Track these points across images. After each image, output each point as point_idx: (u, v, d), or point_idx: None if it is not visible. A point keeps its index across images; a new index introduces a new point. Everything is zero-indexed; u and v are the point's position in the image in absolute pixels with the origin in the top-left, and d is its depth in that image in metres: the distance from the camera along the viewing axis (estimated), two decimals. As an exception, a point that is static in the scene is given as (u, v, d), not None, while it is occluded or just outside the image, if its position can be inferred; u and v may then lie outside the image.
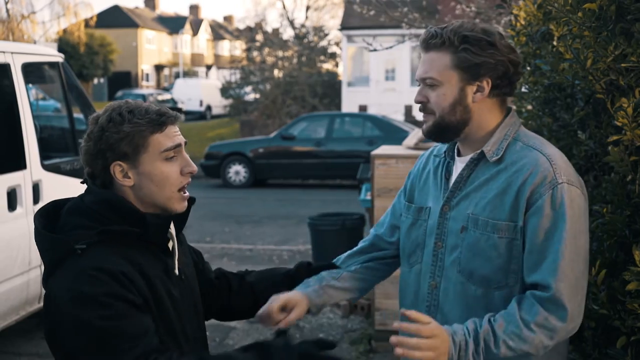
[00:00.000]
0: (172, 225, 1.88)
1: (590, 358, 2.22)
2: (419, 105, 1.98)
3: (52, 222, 1.79)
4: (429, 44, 1.93)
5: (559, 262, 1.80)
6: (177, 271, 1.87)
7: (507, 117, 1.97)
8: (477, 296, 1.91)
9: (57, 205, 1.84)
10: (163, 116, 1.79)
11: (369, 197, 5.95)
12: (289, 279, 2.19)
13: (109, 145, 1.76)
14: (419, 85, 1.97)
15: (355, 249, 2.30)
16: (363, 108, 21.30)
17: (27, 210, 4.91)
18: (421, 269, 2.04)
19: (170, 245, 1.87)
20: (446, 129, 1.95)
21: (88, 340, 1.64)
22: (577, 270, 1.82)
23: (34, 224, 1.80)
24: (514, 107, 2.03)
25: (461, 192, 1.97)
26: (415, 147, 5.45)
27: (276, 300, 2.06)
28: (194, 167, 1.84)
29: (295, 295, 2.10)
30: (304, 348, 1.68)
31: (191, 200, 1.90)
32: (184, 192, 1.84)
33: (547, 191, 1.83)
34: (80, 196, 1.84)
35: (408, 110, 21.14)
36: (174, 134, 1.81)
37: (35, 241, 1.79)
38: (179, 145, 1.81)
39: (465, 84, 1.90)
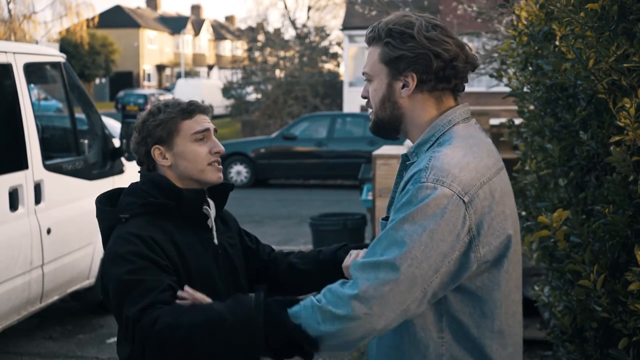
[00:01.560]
0: (211, 204, 2.17)
1: (592, 359, 2.22)
2: (365, 100, 1.94)
3: (114, 203, 2.14)
4: (368, 38, 1.90)
5: (375, 241, 1.72)
6: (215, 243, 2.15)
7: (442, 115, 1.83)
8: None
9: (120, 190, 2.19)
10: (192, 106, 2.13)
11: (370, 197, 5.95)
12: (334, 261, 2.27)
13: (148, 132, 2.11)
14: None
15: None
16: (364, 108, 21.29)
17: (28, 210, 4.91)
18: None
19: (209, 222, 2.15)
20: (382, 126, 1.90)
21: (116, 291, 1.95)
22: (393, 256, 1.68)
23: (95, 203, 2.15)
24: (463, 104, 1.87)
25: (395, 195, 1.91)
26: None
27: (355, 255, 2.11)
28: (222, 148, 2.14)
29: None
30: (270, 307, 1.79)
31: (229, 187, 2.21)
32: (217, 166, 2.13)
33: (408, 187, 1.73)
34: (136, 182, 2.17)
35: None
36: (202, 120, 2.13)
37: (97, 217, 2.14)
38: (207, 129, 2.12)
39: (392, 79, 1.83)
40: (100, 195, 2.18)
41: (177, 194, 2.09)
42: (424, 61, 1.78)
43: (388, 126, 1.88)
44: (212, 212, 2.19)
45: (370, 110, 1.93)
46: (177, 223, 2.09)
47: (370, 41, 1.88)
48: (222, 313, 1.81)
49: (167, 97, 34.33)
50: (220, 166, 2.16)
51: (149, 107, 2.20)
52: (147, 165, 2.16)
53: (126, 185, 2.20)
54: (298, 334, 1.73)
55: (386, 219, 1.88)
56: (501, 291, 1.78)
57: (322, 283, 1.87)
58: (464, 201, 1.69)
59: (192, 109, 2.12)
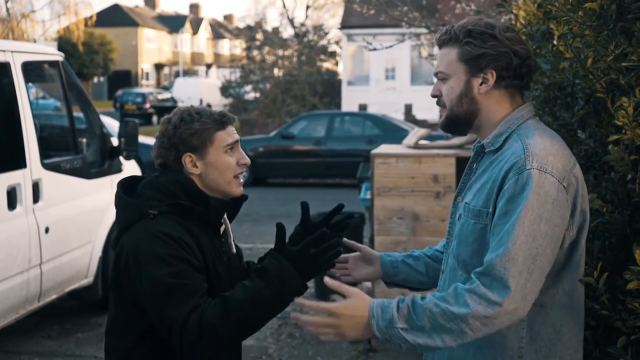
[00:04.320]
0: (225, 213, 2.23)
1: (591, 357, 2.22)
2: (435, 99, 2.07)
3: (130, 191, 2.17)
4: (441, 41, 2.03)
5: (506, 239, 1.79)
6: (226, 251, 2.24)
7: (515, 110, 1.99)
8: (462, 281, 1.93)
9: (136, 179, 2.22)
10: (224, 117, 2.19)
11: (368, 196, 5.96)
12: None
13: (182, 140, 2.14)
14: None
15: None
16: (363, 107, 21.29)
17: (26, 209, 4.91)
18: None
19: (222, 229, 2.24)
20: (457, 121, 2.02)
21: (155, 292, 1.98)
22: (530, 252, 1.79)
23: (116, 189, 2.17)
24: (529, 102, 2.03)
25: (468, 182, 2.05)
26: (415, 146, 5.44)
27: (361, 250, 2.32)
28: (248, 160, 2.22)
29: (374, 256, 2.32)
30: (292, 255, 2.03)
31: (243, 197, 2.26)
32: (240, 179, 2.21)
33: (514, 176, 1.84)
34: (156, 176, 2.20)
35: (408, 109, 21.14)
36: (232, 132, 2.20)
37: (115, 203, 2.18)
38: (237, 141, 2.20)
39: (470, 76, 1.96)
40: (119, 182, 2.20)
41: (204, 200, 2.14)
42: (504, 59, 1.93)
43: (463, 121, 2.02)
44: (227, 219, 2.25)
45: (440, 109, 2.06)
46: (199, 227, 2.13)
47: (444, 43, 2.01)
48: (257, 284, 1.99)
49: (166, 96, 34.40)
50: (242, 180, 2.23)
51: (172, 112, 2.21)
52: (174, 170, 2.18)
53: None
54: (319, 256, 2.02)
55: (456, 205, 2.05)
56: (579, 270, 1.96)
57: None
58: (564, 186, 1.85)
59: (224, 120, 2.18)
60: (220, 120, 2.17)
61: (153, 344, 2.07)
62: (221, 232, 2.24)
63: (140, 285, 2.01)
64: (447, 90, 2.00)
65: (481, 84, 1.96)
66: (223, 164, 2.15)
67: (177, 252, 2.01)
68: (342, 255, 2.29)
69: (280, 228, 2.20)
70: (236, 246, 2.39)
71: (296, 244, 2.19)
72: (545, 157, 1.85)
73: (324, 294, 6.43)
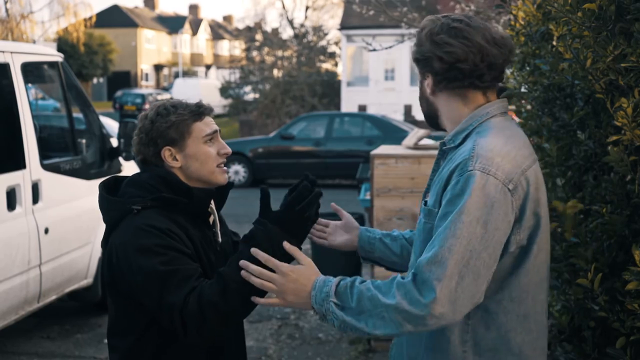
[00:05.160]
0: (212, 203, 2.21)
1: (590, 358, 2.22)
2: None
3: (113, 191, 2.16)
4: None
5: (437, 242, 1.76)
6: (219, 240, 2.21)
7: (478, 108, 1.92)
8: None
9: (117, 180, 2.21)
10: (201, 108, 2.16)
11: (368, 197, 5.96)
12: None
13: (160, 133, 2.11)
14: None
15: None
16: (362, 108, 21.29)
17: (26, 210, 4.91)
18: None
19: (211, 219, 2.21)
20: (429, 119, 2.03)
21: (150, 282, 1.96)
22: (463, 256, 1.74)
23: (99, 191, 2.16)
24: (501, 100, 1.96)
25: (432, 182, 2.02)
26: (415, 146, 5.44)
27: (343, 217, 2.34)
28: (229, 149, 2.18)
29: (354, 227, 2.33)
30: (278, 216, 2.02)
31: (229, 185, 2.23)
32: (223, 167, 2.18)
33: (457, 177, 1.80)
34: (137, 173, 2.19)
35: (407, 110, 21.14)
36: (210, 122, 2.17)
37: (99, 205, 2.16)
38: (215, 131, 2.17)
39: (422, 78, 1.97)
40: (100, 184, 2.18)
41: (187, 192, 2.11)
42: (430, 64, 1.90)
43: (430, 120, 2.02)
44: (214, 208, 2.23)
45: None
46: (186, 219, 2.12)
47: None
48: (247, 252, 1.94)
49: (165, 96, 34.40)
50: (226, 167, 2.19)
51: (149, 107, 2.19)
52: (154, 166, 2.16)
53: None
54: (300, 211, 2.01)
55: (426, 203, 1.98)
56: (529, 276, 1.86)
57: None
58: (509, 189, 1.78)
59: (201, 111, 2.15)
60: (197, 111, 2.14)
61: (155, 340, 2.07)
62: (211, 222, 2.22)
63: (134, 280, 1.99)
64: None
65: (428, 86, 1.95)
66: (203, 155, 2.13)
67: (165, 242, 1.99)
68: (324, 220, 2.32)
69: (265, 193, 2.13)
70: (234, 233, 2.39)
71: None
72: (492, 158, 1.80)
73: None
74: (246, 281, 1.92)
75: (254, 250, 1.90)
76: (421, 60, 1.92)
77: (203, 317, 1.91)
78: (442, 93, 1.93)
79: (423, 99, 1.99)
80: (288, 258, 1.97)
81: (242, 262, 1.89)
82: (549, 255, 1.94)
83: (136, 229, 2.01)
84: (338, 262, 6.46)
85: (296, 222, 2.02)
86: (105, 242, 2.13)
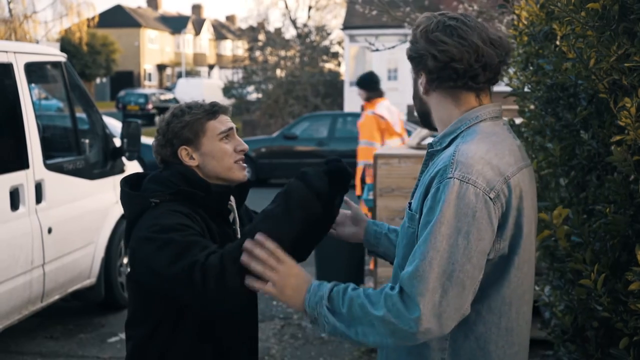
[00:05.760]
0: (232, 200, 2.23)
1: (593, 358, 2.22)
2: None
3: (135, 187, 2.19)
4: None
5: (418, 254, 1.72)
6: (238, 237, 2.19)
7: (470, 110, 1.87)
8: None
9: (139, 176, 2.24)
10: (215, 107, 2.21)
11: (371, 197, 5.95)
12: None
13: (175, 134, 2.17)
14: None
15: None
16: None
17: (29, 209, 4.91)
18: None
19: (231, 217, 2.23)
20: (422, 118, 1.99)
21: (171, 250, 1.95)
22: (445, 269, 1.69)
23: (120, 187, 2.18)
24: (495, 103, 1.90)
25: (417, 184, 1.97)
26: (418, 146, 5.44)
27: (352, 209, 2.33)
28: (246, 146, 2.21)
29: (362, 219, 2.32)
30: (304, 172, 2.07)
31: (249, 183, 2.27)
32: (242, 164, 2.21)
33: (436, 185, 1.76)
34: (159, 170, 2.23)
35: (410, 110, 21.12)
36: (226, 121, 2.21)
37: (121, 200, 2.20)
38: (231, 128, 2.20)
39: (416, 77, 1.93)
40: (122, 180, 2.22)
41: (206, 188, 2.15)
42: (424, 62, 1.85)
43: (423, 119, 1.99)
44: (234, 205, 2.25)
45: None
46: (207, 214, 2.15)
47: None
48: (268, 207, 2.01)
49: (168, 96, 34.44)
50: (245, 164, 2.22)
51: (170, 109, 2.23)
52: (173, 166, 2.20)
53: None
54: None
55: (410, 205, 1.94)
56: (511, 288, 1.81)
57: None
58: (489, 197, 1.73)
59: (215, 109, 2.20)
60: (211, 110, 2.20)
61: (170, 332, 2.10)
62: (231, 220, 2.24)
63: (155, 256, 1.97)
64: None
65: (421, 85, 1.90)
66: (219, 152, 2.17)
67: (186, 222, 2.02)
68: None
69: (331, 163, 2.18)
70: (255, 212, 2.41)
71: None
72: (472, 165, 1.74)
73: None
74: (264, 229, 1.91)
75: (259, 239, 1.86)
76: (415, 57, 1.87)
77: (222, 266, 1.88)
78: (435, 92, 1.88)
79: (417, 97, 1.96)
80: (306, 204, 1.99)
81: (247, 245, 1.86)
82: (533, 268, 1.89)
83: (158, 216, 2.04)
84: (340, 261, 6.46)
85: (318, 178, 2.05)
86: (127, 237, 2.15)
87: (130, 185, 2.21)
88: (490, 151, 1.78)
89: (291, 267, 1.84)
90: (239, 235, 2.24)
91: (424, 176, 1.87)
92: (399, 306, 1.70)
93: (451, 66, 1.81)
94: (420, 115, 1.98)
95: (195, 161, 2.18)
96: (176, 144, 2.18)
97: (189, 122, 2.17)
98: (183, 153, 2.18)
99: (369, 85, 7.42)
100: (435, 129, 1.99)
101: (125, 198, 2.19)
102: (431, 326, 1.69)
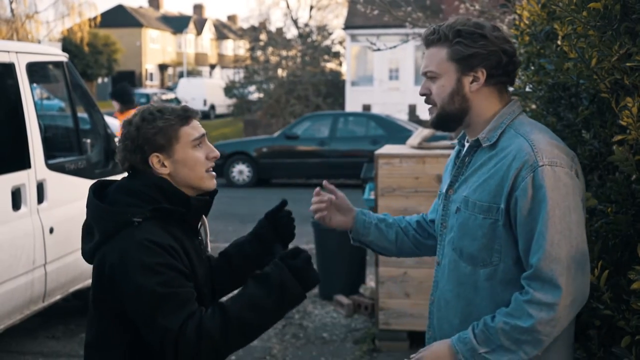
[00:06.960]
0: None
1: (596, 357, 2.22)
2: (424, 97, 2.11)
3: (100, 197, 2.08)
4: (428, 40, 2.08)
5: (542, 241, 1.88)
6: (208, 250, 2.21)
7: (506, 106, 2.06)
8: (466, 273, 2.04)
9: (103, 184, 2.14)
10: (187, 111, 2.10)
11: (372, 197, 5.95)
12: (257, 242, 2.36)
13: (146, 140, 2.03)
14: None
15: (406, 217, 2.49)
16: (367, 107, 21.27)
17: (31, 209, 4.92)
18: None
19: (200, 226, 2.17)
20: (448, 119, 2.08)
21: (146, 302, 1.90)
22: (569, 246, 1.88)
23: (88, 196, 2.09)
24: (515, 98, 2.10)
25: (462, 176, 2.10)
26: (419, 146, 5.44)
27: (338, 196, 2.39)
28: (217, 153, 2.13)
29: (349, 208, 2.39)
30: (293, 265, 1.98)
31: (215, 191, 2.18)
32: (212, 171, 2.13)
33: (529, 174, 1.91)
34: (126, 179, 2.10)
35: (412, 109, 21.12)
36: (197, 126, 2.11)
37: (91, 212, 2.09)
38: (203, 134, 2.11)
39: (461, 75, 2.02)
40: (90, 188, 2.11)
41: (184, 201, 2.06)
42: (495, 57, 2.00)
43: (454, 118, 2.08)
44: (205, 217, 2.21)
45: (430, 107, 2.12)
46: (180, 229, 2.07)
47: (433, 42, 2.07)
48: (257, 292, 1.94)
49: (170, 96, 34.45)
50: (214, 172, 2.15)
51: (137, 112, 2.10)
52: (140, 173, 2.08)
53: None
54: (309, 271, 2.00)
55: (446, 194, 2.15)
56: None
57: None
58: (574, 174, 1.94)
59: (188, 114, 2.09)
60: (184, 115, 2.08)
61: (139, 356, 2.02)
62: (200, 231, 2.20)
63: (129, 297, 1.92)
64: (437, 88, 2.06)
65: (472, 82, 2.02)
66: (192, 160, 2.06)
67: (166, 261, 1.93)
68: (325, 196, 2.38)
69: (283, 204, 2.28)
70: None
71: (262, 237, 2.29)
72: (551, 150, 1.93)
73: (327, 294, 6.44)
74: (249, 321, 1.92)
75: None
76: (480, 55, 1.99)
77: (198, 348, 1.87)
78: (488, 89, 2.04)
79: (457, 96, 2.04)
80: (299, 302, 2.01)
81: None
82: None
83: (138, 244, 1.93)
84: (341, 261, 6.47)
85: (308, 275, 2.02)
86: (93, 252, 2.05)
87: (94, 195, 2.08)
88: (553, 137, 2.00)
89: (424, 357, 1.98)
90: (208, 248, 2.23)
91: (491, 168, 1.99)
92: (543, 300, 1.86)
93: (514, 60, 2.03)
94: (453, 114, 2.06)
95: (167, 169, 2.06)
96: (147, 151, 2.04)
97: (161, 127, 2.04)
98: (154, 160, 2.05)
99: (123, 97, 7.87)
100: (452, 130, 2.13)
101: (98, 212, 2.04)
102: (574, 297, 1.88)
